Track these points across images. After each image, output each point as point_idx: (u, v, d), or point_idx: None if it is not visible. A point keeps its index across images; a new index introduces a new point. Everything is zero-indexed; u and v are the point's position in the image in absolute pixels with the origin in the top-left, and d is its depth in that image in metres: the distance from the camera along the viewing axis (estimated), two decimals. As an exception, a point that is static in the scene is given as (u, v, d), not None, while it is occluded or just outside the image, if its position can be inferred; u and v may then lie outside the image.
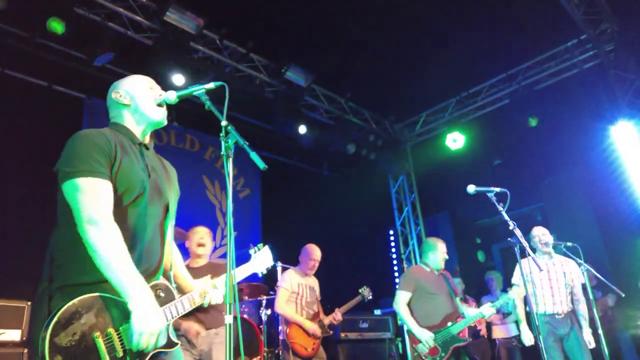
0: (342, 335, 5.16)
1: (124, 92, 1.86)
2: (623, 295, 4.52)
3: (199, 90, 1.87)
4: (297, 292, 4.29)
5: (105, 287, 1.54)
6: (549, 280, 4.14)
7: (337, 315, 4.41)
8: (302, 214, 7.08)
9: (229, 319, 1.52)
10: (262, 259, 2.32)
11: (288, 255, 5.11)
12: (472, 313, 4.01)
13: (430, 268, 4.18)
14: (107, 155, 1.64)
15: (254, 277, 6.19)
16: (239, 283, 2.38)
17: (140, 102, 1.84)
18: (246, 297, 4.83)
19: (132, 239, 1.65)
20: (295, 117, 6.40)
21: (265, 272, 2.33)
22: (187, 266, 2.29)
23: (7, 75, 5.06)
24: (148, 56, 5.08)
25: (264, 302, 4.89)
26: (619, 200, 5.74)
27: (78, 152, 1.62)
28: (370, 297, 4.68)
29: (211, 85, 1.87)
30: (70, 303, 1.47)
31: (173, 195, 1.97)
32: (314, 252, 4.41)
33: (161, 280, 1.77)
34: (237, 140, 1.72)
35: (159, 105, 1.88)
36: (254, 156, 1.71)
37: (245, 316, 4.40)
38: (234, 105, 6.45)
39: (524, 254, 2.98)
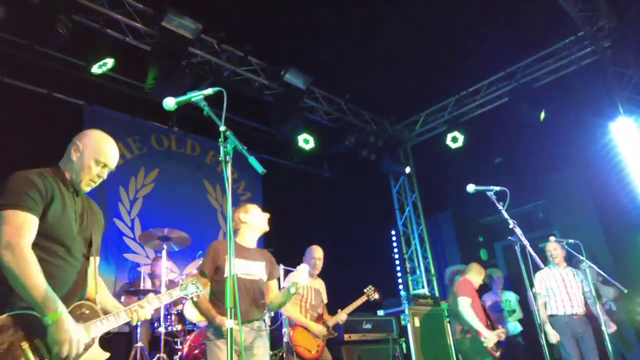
0: (346, 336, 5.16)
1: (80, 148, 2.03)
2: (625, 291, 4.53)
3: (197, 96, 1.88)
4: (302, 294, 4.29)
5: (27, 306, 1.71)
6: (565, 287, 4.61)
7: (342, 316, 4.41)
8: (303, 215, 7.08)
9: (230, 323, 1.53)
10: (191, 289, 2.37)
11: (290, 258, 5.12)
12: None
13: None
14: (41, 195, 1.84)
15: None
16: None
17: (81, 171, 2.01)
18: (249, 300, 4.84)
19: (54, 269, 1.83)
20: (294, 119, 6.41)
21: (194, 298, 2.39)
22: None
23: (6, 83, 5.08)
24: (147, 62, 5.09)
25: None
26: (620, 195, 5.73)
27: (14, 188, 1.80)
28: (376, 296, 4.67)
29: (209, 91, 1.89)
30: (2, 317, 1.63)
31: (97, 234, 2.13)
32: (316, 251, 4.43)
33: (85, 302, 1.94)
34: (236, 145, 1.73)
35: (91, 182, 2.03)
36: (253, 161, 1.72)
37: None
38: (233, 108, 6.47)
39: (524, 252, 2.99)
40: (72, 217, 1.95)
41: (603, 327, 4.11)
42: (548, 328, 4.50)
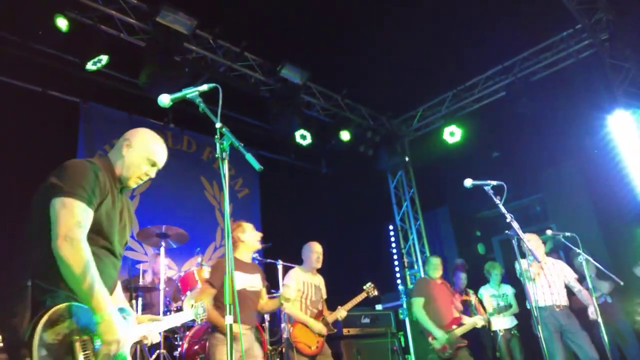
0: (345, 330, 5.18)
1: (132, 145, 2.04)
2: (622, 284, 4.55)
3: (192, 92, 1.87)
4: (302, 290, 4.30)
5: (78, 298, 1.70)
6: (545, 275, 4.53)
7: (342, 313, 4.42)
8: (301, 211, 7.08)
9: (229, 319, 1.53)
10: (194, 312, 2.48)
11: (288, 254, 5.12)
12: (468, 321, 4.91)
13: (430, 278, 5.05)
14: (100, 189, 1.83)
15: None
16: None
17: (131, 167, 2.01)
18: (247, 297, 4.84)
19: (100, 265, 1.80)
20: (291, 115, 6.39)
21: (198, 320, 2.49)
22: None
23: (0, 81, 5.04)
24: (141, 58, 5.05)
25: (266, 300, 4.90)
26: (616, 189, 5.75)
27: (75, 177, 1.78)
28: (375, 293, 4.69)
29: (205, 87, 1.87)
30: (57, 307, 1.61)
31: (129, 232, 2.13)
32: (315, 246, 4.44)
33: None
34: (232, 142, 1.72)
35: (138, 180, 2.06)
36: (250, 158, 1.71)
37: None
38: (230, 104, 6.44)
39: (521, 246, 3.00)
40: (117, 214, 1.95)
41: (599, 319, 4.11)
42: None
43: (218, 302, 3.29)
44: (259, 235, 3.60)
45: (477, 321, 4.93)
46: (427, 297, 4.86)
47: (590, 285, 4.39)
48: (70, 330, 1.61)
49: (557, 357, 4.26)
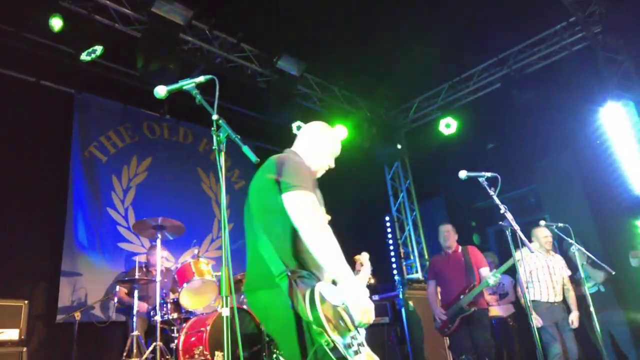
0: (341, 321, 5.23)
1: (319, 139, 2.27)
2: (614, 273, 4.62)
3: (189, 84, 1.88)
4: None
5: (320, 276, 1.96)
6: (550, 274, 4.67)
7: None
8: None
9: (226, 311, 1.55)
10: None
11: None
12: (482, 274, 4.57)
13: (442, 250, 4.96)
14: (312, 182, 2.06)
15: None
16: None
17: (317, 160, 2.25)
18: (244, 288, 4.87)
19: None
20: (288, 106, 6.38)
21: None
22: None
23: (-6, 72, 5.01)
24: (137, 48, 5.02)
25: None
26: (609, 180, 5.81)
27: (299, 171, 2.00)
28: (372, 281, 4.70)
29: (201, 79, 1.88)
30: (318, 284, 1.83)
31: None
32: None
33: None
34: (229, 134, 1.73)
35: (322, 171, 2.29)
36: (246, 150, 1.72)
37: (244, 306, 4.45)
38: (226, 96, 6.42)
39: (515, 237, 3.04)
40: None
41: (591, 309, 4.19)
42: (534, 313, 4.57)
43: None
44: None
45: (489, 278, 4.32)
46: (434, 277, 4.91)
47: (583, 275, 4.48)
48: (333, 303, 1.83)
49: (554, 346, 4.38)
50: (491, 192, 2.95)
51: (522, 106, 6.33)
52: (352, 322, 1.85)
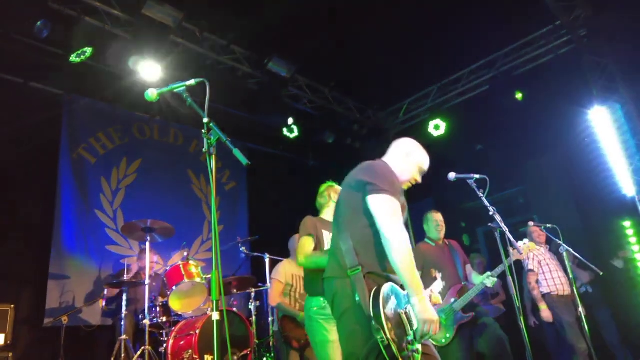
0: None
1: (410, 154, 2.39)
2: (601, 274, 4.68)
3: (179, 87, 1.88)
4: (291, 284, 4.30)
5: (392, 278, 2.03)
6: (557, 265, 4.64)
7: None
8: (289, 204, 7.10)
9: (216, 315, 1.55)
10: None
11: (276, 247, 5.14)
12: (476, 281, 4.02)
13: (431, 241, 4.44)
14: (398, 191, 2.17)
15: (242, 269, 6.17)
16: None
17: (406, 173, 2.36)
18: (235, 290, 4.85)
19: None
20: (279, 108, 6.38)
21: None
22: None
23: (-19, 73, 4.94)
24: (127, 50, 4.99)
25: (253, 294, 4.92)
26: (596, 181, 5.89)
27: (386, 177, 2.14)
28: None
29: (192, 82, 1.88)
30: (384, 285, 1.93)
31: None
32: None
33: None
34: (220, 136, 1.74)
35: (409, 183, 2.39)
36: (237, 153, 1.73)
37: (234, 309, 4.43)
38: (217, 97, 6.40)
39: (503, 238, 3.07)
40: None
41: (580, 309, 4.23)
42: (543, 307, 4.57)
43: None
44: None
45: (486, 280, 3.88)
46: (421, 269, 3.96)
47: (571, 276, 4.53)
48: (396, 304, 1.93)
49: (580, 342, 4.29)
50: (480, 194, 2.98)
51: (509, 107, 6.41)
52: (412, 327, 1.92)
